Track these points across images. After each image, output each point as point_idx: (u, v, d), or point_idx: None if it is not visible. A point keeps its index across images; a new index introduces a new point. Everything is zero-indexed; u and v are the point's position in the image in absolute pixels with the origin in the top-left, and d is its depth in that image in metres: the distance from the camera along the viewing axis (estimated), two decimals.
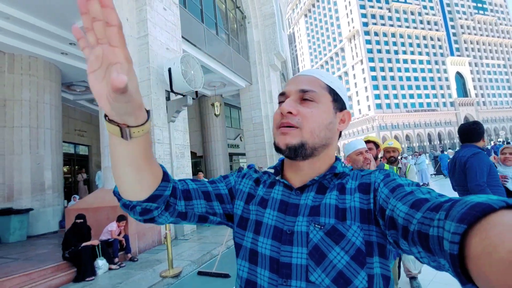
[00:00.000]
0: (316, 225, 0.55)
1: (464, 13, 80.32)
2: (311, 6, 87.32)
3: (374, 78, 65.59)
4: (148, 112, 0.49)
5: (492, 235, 0.27)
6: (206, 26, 8.85)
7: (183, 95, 5.12)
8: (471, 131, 2.41)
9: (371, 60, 65.88)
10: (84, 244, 3.67)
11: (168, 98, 5.22)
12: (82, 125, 11.39)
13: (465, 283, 0.30)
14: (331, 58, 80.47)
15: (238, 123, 16.28)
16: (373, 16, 68.34)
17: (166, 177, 0.60)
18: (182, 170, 5.44)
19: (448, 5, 79.48)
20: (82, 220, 3.87)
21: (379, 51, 67.14)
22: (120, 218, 4.08)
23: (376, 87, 65.23)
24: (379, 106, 64.84)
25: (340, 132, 0.66)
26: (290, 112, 0.58)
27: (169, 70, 4.82)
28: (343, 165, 0.67)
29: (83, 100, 10.56)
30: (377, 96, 65.05)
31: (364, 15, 67.23)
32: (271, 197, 0.64)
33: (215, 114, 10.56)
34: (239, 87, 11.65)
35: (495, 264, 0.25)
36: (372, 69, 65.66)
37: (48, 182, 6.87)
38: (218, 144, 12.63)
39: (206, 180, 0.72)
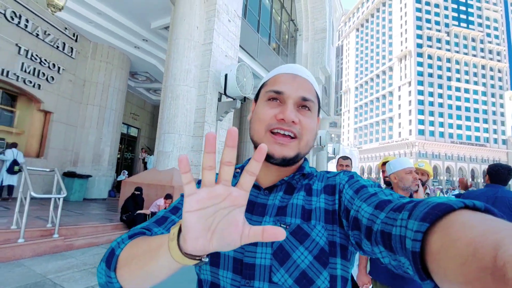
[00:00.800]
0: (282, 224, 0.55)
1: None
2: (364, 21, 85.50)
3: (420, 102, 62.44)
4: None
5: (451, 232, 0.28)
6: (260, 36, 9.53)
7: (233, 99, 5.77)
8: (505, 174, 2.43)
9: (420, 83, 62.80)
10: (138, 211, 4.43)
11: (219, 99, 5.91)
12: (136, 109, 12.71)
13: (424, 280, 0.31)
14: (377, 76, 77.97)
15: None
16: (429, 39, 65.12)
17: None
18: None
19: None
20: (139, 192, 4.66)
21: (431, 75, 63.76)
22: (168, 196, 4.80)
23: (421, 112, 62.01)
24: (421, 132, 61.53)
25: None
26: (293, 122, 0.56)
27: (226, 75, 5.51)
28: (309, 165, 0.67)
29: (142, 88, 11.81)
30: (421, 122, 61.78)
31: (419, 36, 64.35)
32: None
33: (243, 100, 11.20)
34: None
35: (453, 258, 0.26)
36: (420, 92, 62.56)
37: (106, 156, 7.96)
38: (250, 145, 13.25)
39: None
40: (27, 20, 5.85)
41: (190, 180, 0.35)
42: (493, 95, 67.77)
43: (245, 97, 5.90)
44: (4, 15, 5.40)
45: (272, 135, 0.57)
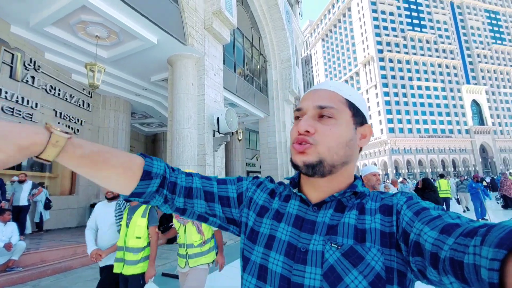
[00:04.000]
0: (333, 244, 0.52)
1: (481, 42, 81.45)
2: (328, 31, 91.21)
3: (387, 103, 67.30)
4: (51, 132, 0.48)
5: None
6: (236, 74, 11.65)
7: (224, 134, 7.75)
8: None
9: (385, 85, 67.90)
10: (171, 223, 6.24)
11: (214, 135, 7.87)
12: (132, 141, 14.32)
13: None
14: (346, 81, 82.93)
15: (255, 145, 18.89)
16: (388, 44, 70.92)
17: (146, 176, 0.59)
18: None
19: (464, 34, 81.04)
20: None
21: (393, 77, 69.17)
22: None
23: (389, 112, 66.78)
24: (391, 130, 66.12)
25: (361, 148, 0.63)
26: (307, 131, 0.56)
27: (218, 118, 7.49)
28: (362, 185, 0.64)
29: (137, 123, 13.52)
30: (390, 121, 66.47)
31: (379, 43, 69.95)
32: (287, 211, 0.62)
33: (238, 139, 13.19)
34: (259, 118, 14.31)
35: None
36: (386, 94, 67.51)
37: None
38: (238, 162, 15.20)
39: (219, 177, 0.72)
40: (59, 90, 7.57)
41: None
42: (451, 90, 74.22)
43: (233, 132, 7.89)
44: (45, 89, 7.12)
45: (295, 146, 0.58)
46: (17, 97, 6.32)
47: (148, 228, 2.50)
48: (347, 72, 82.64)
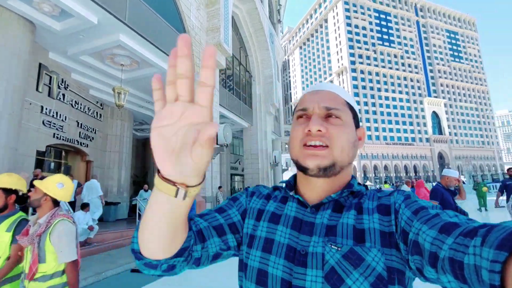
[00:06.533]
0: (332, 246, 0.52)
1: (441, 59, 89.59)
2: (306, 40, 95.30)
3: (358, 111, 71.79)
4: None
5: None
6: (226, 90, 13.39)
7: (220, 145, 9.48)
8: None
9: (356, 95, 72.72)
10: None
11: None
12: None
13: None
14: None
15: (238, 150, 20.66)
16: (360, 56, 75.97)
17: (189, 224, 0.55)
18: (216, 183, 9.78)
19: (428, 51, 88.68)
20: None
21: (364, 87, 74.25)
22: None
23: (359, 120, 71.42)
24: None
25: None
26: (319, 130, 0.56)
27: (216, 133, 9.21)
28: (358, 183, 0.63)
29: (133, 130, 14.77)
30: None
31: (352, 54, 74.73)
32: (284, 213, 0.61)
33: (226, 145, 14.89)
34: (243, 127, 16.12)
35: None
36: (357, 103, 71.29)
37: (123, 187, 10.94)
38: (223, 166, 16.87)
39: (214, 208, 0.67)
40: (81, 104, 8.87)
41: (159, 98, 0.37)
42: (414, 102, 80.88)
43: (227, 144, 9.65)
44: (71, 104, 8.41)
45: (305, 147, 0.57)
46: (53, 112, 7.62)
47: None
48: (322, 80, 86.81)
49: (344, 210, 0.57)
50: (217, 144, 9.39)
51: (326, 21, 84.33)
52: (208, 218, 0.62)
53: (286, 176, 23.85)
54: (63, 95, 8.06)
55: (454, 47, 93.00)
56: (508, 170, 6.28)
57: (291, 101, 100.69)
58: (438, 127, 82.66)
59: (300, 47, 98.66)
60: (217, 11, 10.05)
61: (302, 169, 0.58)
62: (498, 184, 14.11)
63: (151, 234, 0.47)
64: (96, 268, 4.81)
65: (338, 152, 0.56)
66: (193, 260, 0.56)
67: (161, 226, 0.46)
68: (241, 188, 19.65)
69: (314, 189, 0.61)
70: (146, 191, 9.94)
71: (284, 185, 0.68)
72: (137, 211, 8.41)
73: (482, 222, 0.37)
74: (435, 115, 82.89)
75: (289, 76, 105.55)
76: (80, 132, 8.78)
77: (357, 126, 0.63)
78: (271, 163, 16.40)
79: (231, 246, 0.62)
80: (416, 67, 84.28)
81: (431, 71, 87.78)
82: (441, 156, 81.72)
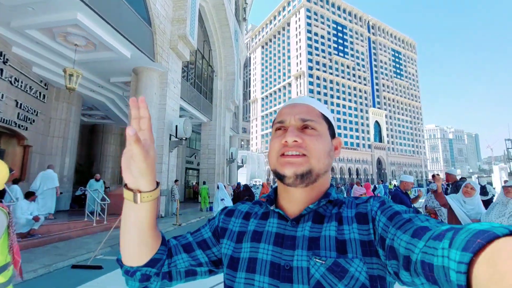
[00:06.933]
0: (317, 260, 0.53)
1: (386, 74, 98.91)
2: (268, 40, 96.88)
3: None
4: (157, 183, 0.54)
5: (498, 263, 0.26)
6: (188, 83, 13.14)
7: (180, 139, 9.34)
8: None
9: None
10: None
11: (170, 139, 9.37)
12: None
13: None
14: (280, 90, 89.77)
15: (194, 144, 20.32)
16: (318, 63, 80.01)
17: (164, 240, 0.63)
18: (172, 176, 9.61)
19: (375, 66, 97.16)
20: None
21: (319, 92, 78.45)
22: None
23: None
24: None
25: None
26: (295, 141, 0.58)
27: (176, 126, 9.04)
28: (336, 191, 0.65)
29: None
30: None
31: (310, 60, 78.28)
32: (266, 230, 0.62)
33: (185, 139, 14.61)
34: (202, 121, 15.95)
35: None
36: None
37: (67, 176, 10.08)
38: (179, 159, 16.48)
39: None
40: (21, 82, 7.91)
41: (133, 139, 0.47)
42: (361, 110, 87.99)
43: (186, 138, 9.54)
44: (10, 81, 7.47)
45: (282, 156, 0.59)
46: None
47: None
48: (281, 81, 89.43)
49: (325, 221, 0.58)
50: (176, 137, 9.22)
51: (288, 24, 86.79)
52: (179, 238, 0.68)
53: (242, 173, 24.15)
54: (1, 70, 7.14)
55: (397, 65, 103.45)
56: (432, 176, 7.43)
57: (249, 99, 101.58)
58: (379, 135, 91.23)
59: (262, 46, 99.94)
60: (184, 2, 9.84)
61: (280, 177, 0.59)
62: (422, 188, 16.34)
63: (124, 240, 0.56)
64: (45, 260, 4.53)
65: (315, 161, 0.58)
66: (164, 274, 0.62)
67: (130, 231, 0.55)
68: (195, 183, 19.37)
69: (294, 201, 0.62)
70: (97, 180, 9.05)
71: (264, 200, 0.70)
72: (87, 202, 7.83)
73: (449, 226, 0.39)
74: (377, 124, 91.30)
75: (250, 74, 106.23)
76: (18, 113, 7.87)
77: (333, 136, 0.66)
78: (227, 159, 16.53)
79: (202, 262, 0.65)
80: (365, 79, 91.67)
81: (377, 84, 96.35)
82: (379, 162, 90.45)
